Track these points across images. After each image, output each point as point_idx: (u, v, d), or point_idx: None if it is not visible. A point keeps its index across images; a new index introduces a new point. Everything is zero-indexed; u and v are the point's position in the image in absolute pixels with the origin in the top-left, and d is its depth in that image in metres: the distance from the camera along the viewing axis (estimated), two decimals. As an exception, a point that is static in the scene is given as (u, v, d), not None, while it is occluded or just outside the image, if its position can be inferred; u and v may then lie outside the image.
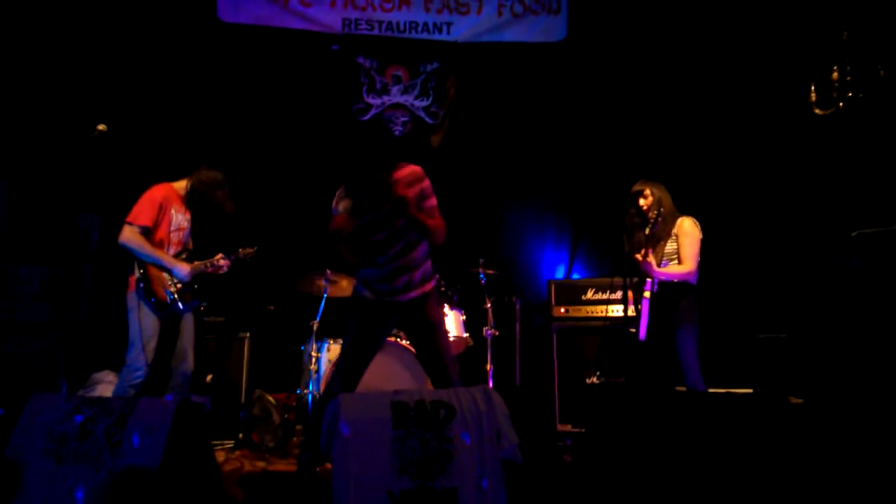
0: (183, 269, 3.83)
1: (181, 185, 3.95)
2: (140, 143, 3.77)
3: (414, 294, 3.26)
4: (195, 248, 4.09)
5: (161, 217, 3.81)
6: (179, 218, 3.93)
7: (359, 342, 3.29)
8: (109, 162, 3.79)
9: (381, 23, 6.07)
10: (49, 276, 4.80)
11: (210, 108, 5.73)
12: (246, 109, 5.80)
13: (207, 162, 3.99)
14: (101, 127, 3.54)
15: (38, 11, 5.41)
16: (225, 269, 4.01)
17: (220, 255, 3.99)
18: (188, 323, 3.91)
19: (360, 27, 6.04)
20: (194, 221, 4.06)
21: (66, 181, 3.95)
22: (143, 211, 3.74)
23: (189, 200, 3.94)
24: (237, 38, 5.82)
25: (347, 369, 3.26)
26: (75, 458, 2.45)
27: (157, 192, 3.84)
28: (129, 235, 3.70)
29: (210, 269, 3.96)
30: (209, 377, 4.73)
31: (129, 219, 3.72)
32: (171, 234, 3.88)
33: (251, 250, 4.09)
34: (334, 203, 3.27)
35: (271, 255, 5.31)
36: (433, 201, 3.23)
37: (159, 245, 3.81)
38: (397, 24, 6.09)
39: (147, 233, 3.75)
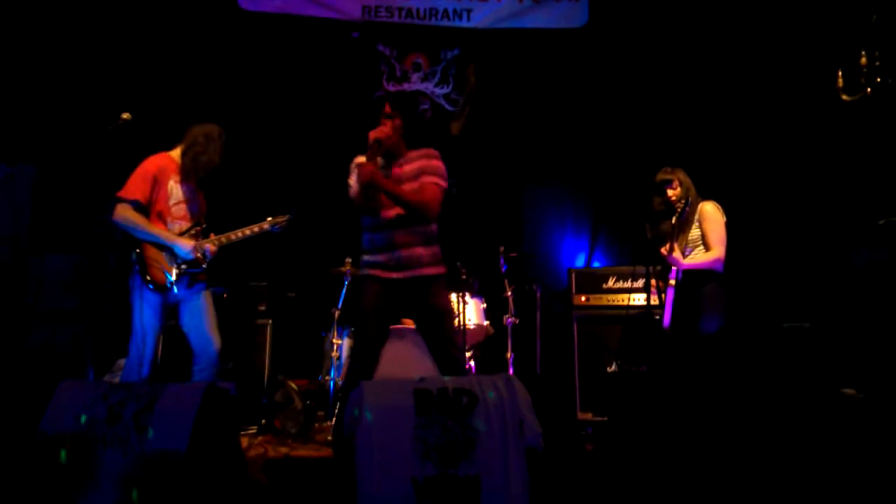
0: (185, 244, 3.55)
1: (177, 153, 3.69)
2: (163, 131, 3.77)
3: (413, 273, 3.17)
4: (216, 224, 3.85)
5: (157, 190, 3.54)
6: (181, 189, 3.64)
7: (362, 323, 3.23)
8: (133, 150, 3.78)
9: (400, 10, 6.05)
10: (75, 265, 4.85)
11: (232, 96, 5.75)
12: (266, 97, 5.82)
13: (200, 119, 3.75)
14: (125, 115, 3.55)
15: (60, 3, 5.46)
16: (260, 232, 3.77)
17: (269, 219, 3.78)
18: (204, 303, 3.69)
19: (379, 14, 6.02)
20: (200, 188, 3.79)
21: (90, 169, 3.96)
22: (134, 184, 3.49)
23: (183, 162, 3.65)
24: (259, 27, 5.84)
25: (360, 353, 3.22)
26: (104, 444, 2.49)
27: (149, 164, 3.58)
28: (121, 212, 3.45)
29: (229, 242, 3.73)
30: (231, 364, 4.78)
31: (119, 194, 3.48)
32: (173, 208, 3.61)
33: (283, 219, 3.84)
34: (351, 176, 3.25)
35: (293, 243, 5.37)
36: (433, 179, 3.18)
37: (159, 220, 3.56)
38: (417, 10, 6.07)
39: (140, 208, 3.50)
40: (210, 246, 3.65)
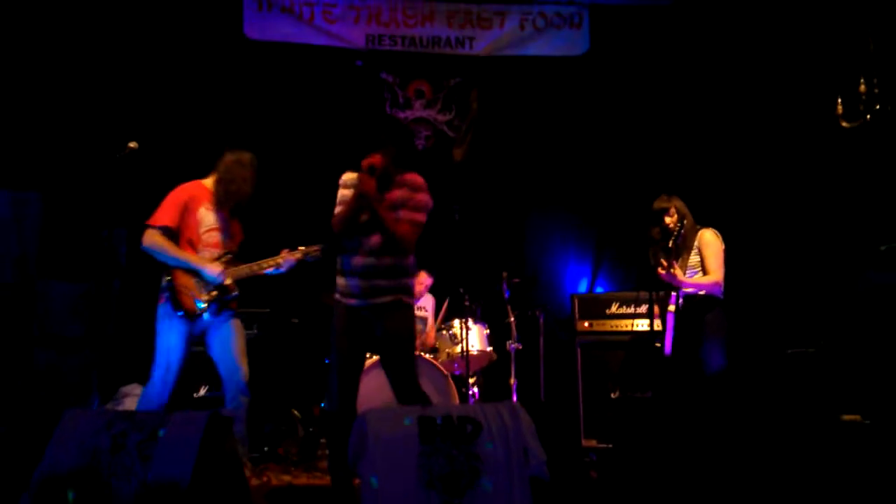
0: (213, 269, 3.55)
1: (211, 181, 3.70)
2: (169, 159, 3.81)
3: (372, 301, 3.11)
4: (247, 252, 3.84)
5: (186, 217, 3.57)
6: (212, 217, 3.65)
7: (332, 349, 3.16)
8: (139, 178, 3.82)
9: (404, 38, 6.13)
10: (80, 292, 4.87)
11: (237, 123, 5.80)
12: (272, 125, 5.87)
13: (232, 145, 3.74)
14: (132, 144, 3.58)
15: (69, 29, 5.53)
16: (286, 267, 3.73)
17: (284, 252, 3.73)
18: (232, 331, 3.67)
19: (383, 42, 6.10)
20: (234, 216, 3.79)
21: (96, 196, 3.99)
22: (163, 211, 3.52)
23: (216, 190, 3.66)
24: (263, 55, 5.91)
25: (334, 382, 3.13)
26: (108, 472, 2.49)
27: (180, 191, 3.61)
28: (150, 237, 3.48)
29: (261, 271, 3.70)
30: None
31: (149, 221, 3.51)
32: (204, 235, 3.61)
33: (316, 248, 3.78)
34: (338, 193, 3.22)
35: (295, 269, 5.37)
36: (410, 216, 3.11)
37: (190, 246, 3.57)
38: (420, 39, 6.15)
39: (170, 234, 3.52)
40: (231, 273, 3.63)
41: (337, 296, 3.18)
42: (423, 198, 3.17)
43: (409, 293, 3.23)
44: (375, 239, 3.08)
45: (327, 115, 5.96)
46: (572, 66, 6.15)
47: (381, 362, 3.28)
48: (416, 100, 6.20)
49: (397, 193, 3.14)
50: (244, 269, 3.68)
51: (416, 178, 3.19)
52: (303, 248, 3.78)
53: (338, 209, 3.16)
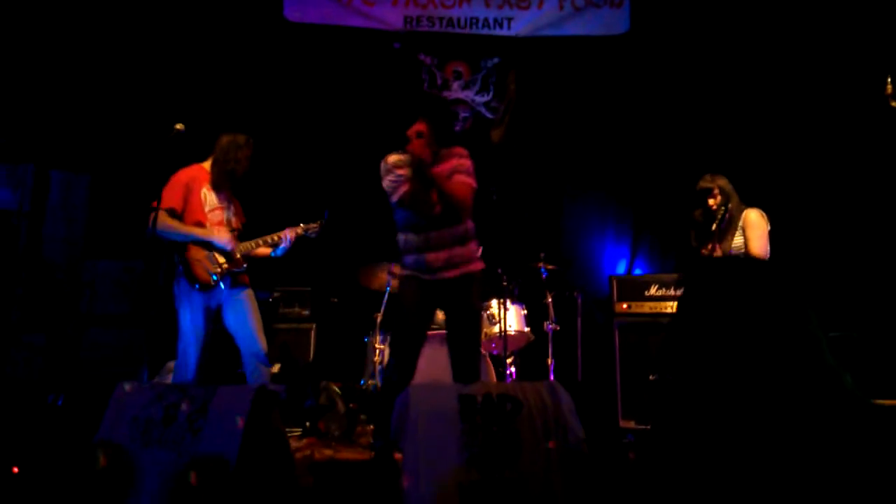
0: (222, 237, 3.69)
1: (209, 164, 3.83)
2: (213, 141, 3.89)
3: (451, 274, 3.19)
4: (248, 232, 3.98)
5: (190, 198, 3.69)
6: (214, 197, 3.78)
7: (400, 323, 3.25)
8: (185, 159, 3.91)
9: (441, 19, 6.11)
10: (128, 270, 5.01)
11: (277, 104, 5.88)
12: (312, 107, 5.94)
13: (224, 129, 3.86)
14: (178, 126, 3.64)
15: (118, 14, 5.65)
16: (286, 243, 3.87)
17: (287, 230, 3.88)
18: (247, 304, 3.78)
19: (421, 24, 6.10)
20: (236, 197, 3.93)
21: (145, 178, 4.08)
22: (167, 194, 3.62)
23: (212, 171, 3.79)
24: (302, 37, 5.96)
25: (398, 355, 3.23)
26: (160, 444, 2.57)
27: (180, 174, 3.74)
28: (158, 220, 3.55)
29: (264, 248, 3.85)
30: (277, 367, 4.87)
31: (154, 204, 3.60)
32: (209, 215, 3.74)
33: (314, 225, 3.98)
34: (388, 177, 3.24)
35: (335, 248, 5.45)
36: (463, 178, 3.19)
37: (198, 227, 3.69)
38: (458, 20, 6.13)
39: (176, 215, 3.64)
40: (240, 245, 3.78)
41: (405, 271, 3.25)
42: (470, 163, 3.25)
43: (476, 260, 3.30)
44: (437, 209, 3.15)
45: (366, 97, 6.00)
46: (612, 46, 6.07)
47: (447, 336, 3.31)
48: (453, 81, 6.20)
49: (446, 165, 3.20)
50: (249, 244, 3.82)
51: (461, 149, 3.27)
52: (303, 224, 3.95)
53: (402, 188, 3.17)
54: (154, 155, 3.73)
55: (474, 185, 3.24)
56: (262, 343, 3.75)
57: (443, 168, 3.20)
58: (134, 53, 5.67)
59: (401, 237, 3.30)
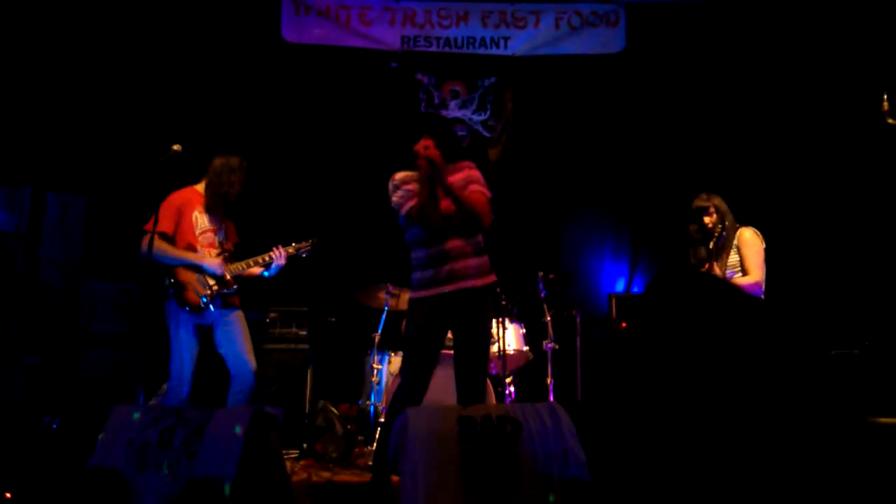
0: (213, 262, 3.73)
1: (202, 186, 3.87)
2: (209, 159, 3.90)
3: (468, 284, 3.11)
4: (243, 251, 4.00)
5: (181, 222, 3.74)
6: (206, 220, 3.83)
7: (411, 344, 3.18)
8: (182, 180, 3.91)
9: (439, 39, 6.15)
10: (124, 291, 4.99)
11: (275, 124, 5.89)
12: (309, 127, 5.95)
13: (222, 150, 3.89)
14: (175, 147, 3.65)
15: (115, 35, 5.67)
16: (280, 261, 3.85)
17: (274, 249, 3.87)
18: (237, 326, 3.80)
19: (418, 44, 6.13)
20: (229, 218, 3.96)
21: (142, 199, 4.08)
22: (159, 218, 3.64)
23: (206, 193, 3.83)
24: (301, 58, 5.99)
25: (409, 377, 3.15)
26: (155, 468, 2.54)
27: (173, 197, 3.79)
28: (154, 243, 3.57)
29: (256, 267, 3.85)
30: (274, 388, 4.84)
31: (146, 227, 3.64)
32: (200, 237, 3.79)
33: (306, 244, 3.97)
34: (396, 193, 3.23)
35: (332, 268, 5.44)
36: (478, 187, 3.17)
37: (188, 250, 3.74)
38: (455, 39, 6.16)
39: (167, 239, 3.69)
40: (230, 268, 3.80)
41: (418, 293, 3.17)
42: (480, 174, 3.24)
43: (491, 272, 3.22)
44: (453, 221, 3.11)
45: (363, 117, 6.01)
46: (608, 64, 6.10)
47: (455, 356, 3.20)
48: (451, 100, 6.22)
49: (458, 175, 3.18)
50: (240, 265, 3.84)
51: (468, 161, 3.27)
52: (295, 243, 3.96)
53: (411, 202, 3.13)
54: (151, 176, 3.72)
55: (489, 194, 3.21)
56: (252, 365, 3.76)
57: (456, 178, 3.16)
58: (132, 74, 5.68)
59: (413, 255, 3.22)
